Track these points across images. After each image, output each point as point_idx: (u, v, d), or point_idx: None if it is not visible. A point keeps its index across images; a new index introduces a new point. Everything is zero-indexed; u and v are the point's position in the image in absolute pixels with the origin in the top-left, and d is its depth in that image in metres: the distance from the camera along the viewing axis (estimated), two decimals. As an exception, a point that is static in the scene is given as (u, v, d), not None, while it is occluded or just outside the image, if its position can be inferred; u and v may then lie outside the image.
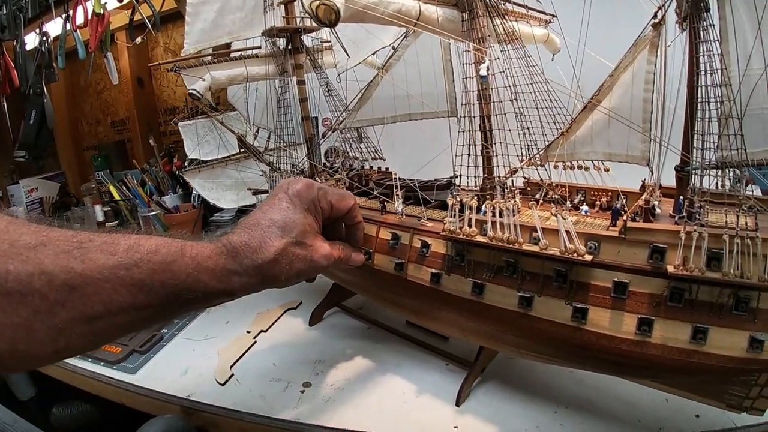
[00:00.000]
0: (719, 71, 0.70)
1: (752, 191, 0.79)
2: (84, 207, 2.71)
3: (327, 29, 1.09)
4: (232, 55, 1.32)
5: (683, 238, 0.65)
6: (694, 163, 0.73)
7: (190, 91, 1.21)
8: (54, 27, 2.27)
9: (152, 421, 1.07)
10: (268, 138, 1.55)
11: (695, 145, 0.73)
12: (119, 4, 2.01)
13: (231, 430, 1.05)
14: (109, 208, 2.44)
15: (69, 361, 1.31)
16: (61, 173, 3.16)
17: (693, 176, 0.74)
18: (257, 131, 1.60)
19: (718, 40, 0.71)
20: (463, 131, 0.82)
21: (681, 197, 0.74)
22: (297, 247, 0.75)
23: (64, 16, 2.15)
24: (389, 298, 1.06)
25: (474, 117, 0.83)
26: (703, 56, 0.71)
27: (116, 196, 2.40)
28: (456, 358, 1.09)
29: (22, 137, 2.37)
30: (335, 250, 0.82)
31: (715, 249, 0.65)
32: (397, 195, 0.97)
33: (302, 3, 0.68)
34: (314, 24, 1.19)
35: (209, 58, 1.26)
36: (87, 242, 0.59)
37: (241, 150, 1.63)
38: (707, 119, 0.71)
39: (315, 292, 1.43)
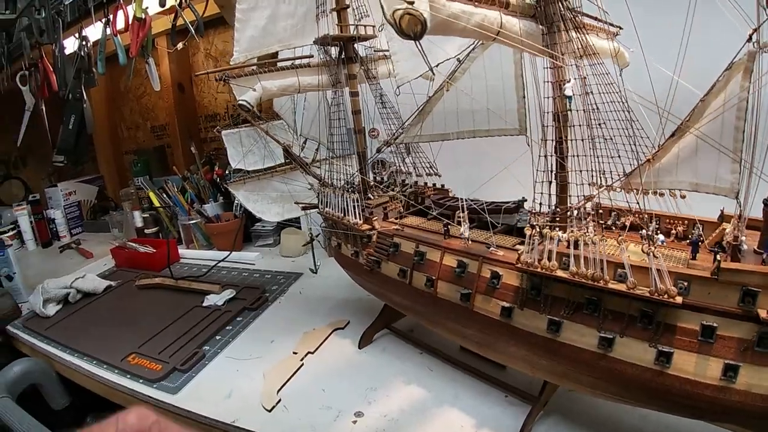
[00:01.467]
0: None
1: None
2: (122, 212, 2.79)
3: (386, 39, 1.09)
4: (282, 65, 1.32)
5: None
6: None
7: (240, 102, 1.22)
8: (94, 31, 2.33)
9: None
10: (317, 150, 1.56)
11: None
12: (161, 9, 2.05)
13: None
14: (149, 215, 2.49)
15: (107, 376, 1.36)
16: (100, 177, 3.29)
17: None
18: (305, 142, 1.61)
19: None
20: (543, 155, 0.80)
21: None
22: None
23: (104, 20, 2.21)
24: (452, 328, 1.04)
25: (552, 140, 0.81)
26: None
27: (156, 203, 2.46)
28: (516, 389, 1.06)
29: (61, 142, 2.46)
30: None
31: None
32: (463, 218, 0.95)
33: (383, 12, 0.66)
34: (370, 32, 1.20)
35: (256, 67, 1.26)
36: None
37: (287, 161, 1.64)
38: None
39: (365, 312, 1.43)
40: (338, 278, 1.65)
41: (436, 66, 1.07)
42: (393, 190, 1.34)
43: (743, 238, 0.77)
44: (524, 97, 1.04)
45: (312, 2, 1.26)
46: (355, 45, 1.25)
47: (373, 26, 1.21)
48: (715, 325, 0.68)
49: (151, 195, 2.47)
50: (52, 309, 1.80)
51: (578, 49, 0.84)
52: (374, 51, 1.33)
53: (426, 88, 1.17)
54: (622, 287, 0.71)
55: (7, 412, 1.32)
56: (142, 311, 1.76)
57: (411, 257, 1.05)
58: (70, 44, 2.43)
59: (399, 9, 0.66)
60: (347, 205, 1.21)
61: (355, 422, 1.05)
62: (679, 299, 0.67)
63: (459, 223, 0.99)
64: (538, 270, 0.79)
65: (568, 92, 0.75)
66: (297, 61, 1.31)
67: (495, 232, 0.96)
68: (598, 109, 0.79)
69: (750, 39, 0.72)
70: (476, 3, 0.74)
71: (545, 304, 0.81)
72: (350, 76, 1.25)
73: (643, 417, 0.98)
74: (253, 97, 1.22)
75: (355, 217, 1.19)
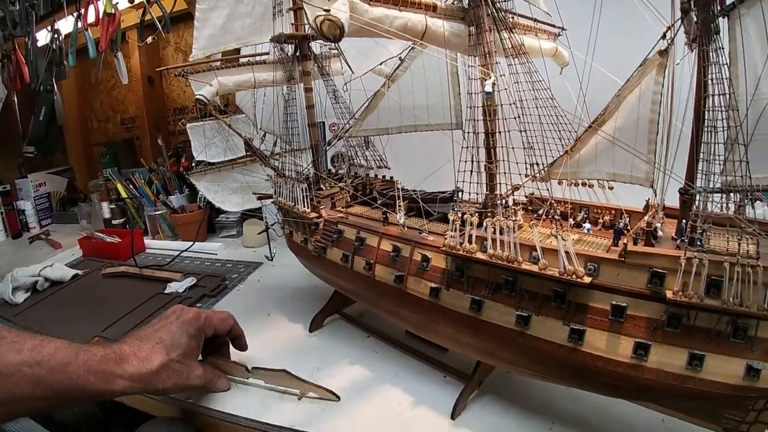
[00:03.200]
0: (727, 95, 0.70)
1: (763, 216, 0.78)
2: (91, 203, 2.73)
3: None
4: (241, 60, 1.32)
5: (683, 264, 0.65)
6: (698, 186, 0.73)
7: (197, 96, 1.22)
8: (65, 25, 2.28)
9: (152, 422, 1.09)
10: (275, 143, 1.56)
11: (700, 169, 0.72)
12: (130, 5, 2.02)
13: (228, 433, 1.05)
14: (116, 206, 2.45)
15: None
16: (69, 169, 3.20)
17: (696, 200, 0.73)
18: (264, 135, 1.60)
19: (726, 63, 0.70)
20: (467, 147, 0.82)
21: (684, 220, 0.74)
22: (177, 365, 0.93)
23: (75, 14, 2.17)
24: (389, 309, 1.06)
25: (478, 133, 0.83)
26: (712, 79, 0.70)
27: (123, 194, 2.42)
28: (454, 370, 1.08)
29: (31, 133, 2.40)
30: (206, 373, 1.01)
31: (715, 276, 0.64)
32: (400, 207, 0.97)
33: (307, 17, 0.68)
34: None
35: (217, 63, 1.26)
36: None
37: (248, 153, 1.64)
38: (713, 143, 0.71)
39: (319, 299, 1.43)
40: (295, 267, 1.63)
41: (380, 64, 1.09)
42: (345, 181, 1.35)
43: (658, 224, 0.81)
44: (459, 94, 1.06)
45: (269, 2, 1.26)
46: (310, 43, 1.25)
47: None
48: (624, 305, 0.71)
49: (119, 186, 2.42)
50: (20, 296, 1.76)
51: (508, 48, 0.87)
52: (329, 49, 1.33)
53: (378, 85, 1.19)
54: (534, 268, 0.73)
55: None
56: (107, 298, 1.74)
57: (352, 243, 1.06)
58: (42, 37, 2.37)
59: (320, 15, 0.68)
60: (297, 195, 1.22)
61: (300, 399, 1.07)
62: (587, 279, 0.70)
63: (396, 212, 1.00)
64: (460, 252, 0.81)
65: (488, 89, 0.77)
66: (254, 58, 1.31)
67: (430, 220, 0.98)
68: (521, 104, 0.81)
69: (664, 36, 0.75)
70: (401, 7, 0.75)
71: (468, 285, 0.83)
72: (304, 72, 1.26)
73: (576, 398, 1.00)
74: (210, 91, 1.22)
75: (304, 206, 1.20)
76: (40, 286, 1.84)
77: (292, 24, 1.23)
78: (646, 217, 0.83)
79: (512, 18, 0.92)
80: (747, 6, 0.68)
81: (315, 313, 1.36)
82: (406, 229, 0.98)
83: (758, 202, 1.59)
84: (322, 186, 1.30)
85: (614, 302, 0.71)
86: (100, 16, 2.06)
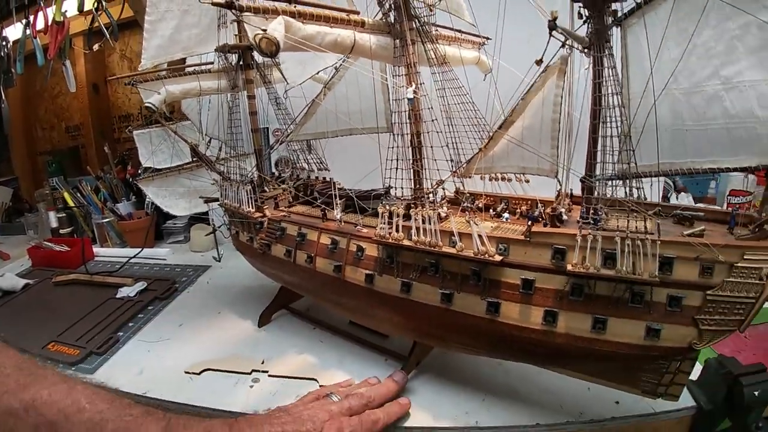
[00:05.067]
0: (618, 95, 0.79)
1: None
2: (38, 213, 2.66)
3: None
4: (187, 69, 1.35)
5: (579, 240, 0.74)
6: (596, 175, 0.82)
7: (146, 104, 1.24)
8: (13, 31, 2.24)
9: None
10: (220, 148, 1.59)
11: (597, 160, 0.82)
12: (79, 13, 2.00)
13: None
14: (64, 215, 2.39)
15: None
16: (15, 178, 3.09)
17: (595, 186, 0.83)
18: (209, 141, 1.63)
19: (612, 66, 0.80)
20: (395, 147, 0.90)
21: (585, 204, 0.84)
22: None
23: (24, 21, 2.13)
24: (330, 299, 1.12)
25: (404, 134, 0.90)
26: (605, 82, 0.80)
27: (70, 203, 2.37)
28: (394, 353, 1.15)
29: None
30: None
31: (609, 249, 0.73)
32: (337, 204, 1.03)
33: (247, 34, 0.74)
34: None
35: (164, 72, 1.29)
36: (75, 414, 0.68)
37: (194, 159, 1.66)
38: (608, 137, 0.80)
39: (267, 297, 1.47)
40: (242, 268, 1.67)
41: (317, 73, 1.15)
42: (287, 183, 1.40)
43: (563, 209, 0.90)
44: (389, 100, 1.14)
45: (215, 13, 1.29)
46: (253, 53, 1.30)
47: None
48: (532, 278, 0.79)
49: (66, 195, 2.37)
50: None
51: (431, 59, 0.95)
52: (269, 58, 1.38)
53: (317, 91, 1.25)
54: (452, 251, 0.81)
55: None
56: (60, 305, 1.72)
57: (294, 239, 1.11)
58: None
59: (258, 34, 0.74)
60: (242, 197, 1.26)
61: (252, 386, 1.11)
62: (498, 258, 0.78)
63: (333, 209, 1.07)
64: (389, 241, 0.88)
65: (409, 95, 0.84)
66: (200, 67, 1.34)
67: (365, 215, 1.04)
68: (443, 108, 0.89)
69: (564, 45, 0.84)
70: (332, 24, 0.82)
71: (398, 270, 0.91)
72: (247, 80, 1.30)
73: (506, 372, 1.09)
74: (158, 99, 1.25)
75: (249, 207, 1.24)
76: None
77: (235, 35, 1.28)
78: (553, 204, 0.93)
79: (436, 30, 1.00)
80: (636, 16, 0.79)
81: (263, 310, 1.41)
82: (342, 224, 1.04)
83: (682, 193, 1.71)
84: (265, 188, 1.34)
85: (523, 277, 0.79)
86: (49, 24, 2.02)
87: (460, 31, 1.11)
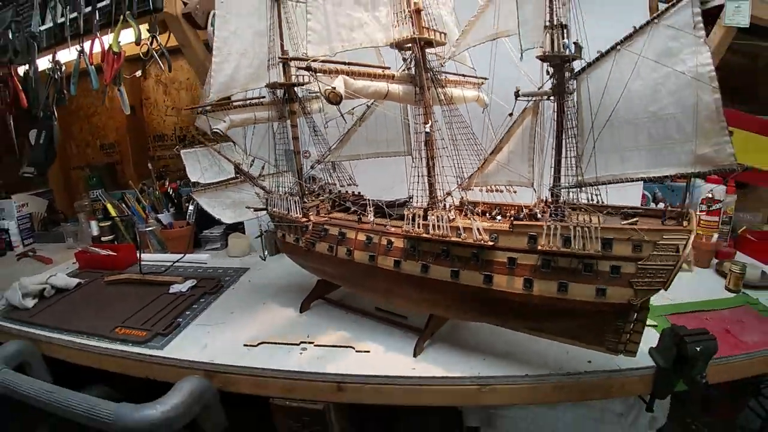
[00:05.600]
0: (575, 128, 1.20)
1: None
2: (76, 222, 3.09)
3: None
4: (243, 102, 1.76)
5: (545, 229, 1.14)
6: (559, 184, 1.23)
7: (215, 130, 1.64)
8: (66, 54, 2.62)
9: (182, 380, 1.44)
10: (263, 167, 1.99)
11: (562, 174, 1.22)
12: (136, 45, 2.40)
13: (246, 384, 1.47)
14: (107, 224, 2.81)
15: (101, 345, 1.69)
16: (49, 191, 3.52)
17: (560, 193, 1.23)
18: (253, 161, 2.03)
19: (572, 108, 1.20)
20: (414, 167, 1.31)
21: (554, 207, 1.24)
22: None
23: (79, 48, 2.51)
24: (365, 283, 1.52)
25: (422, 158, 1.31)
26: (566, 119, 1.20)
27: (113, 213, 2.79)
28: (413, 328, 1.55)
29: (33, 156, 2.75)
30: None
31: (566, 235, 1.13)
32: (370, 210, 1.44)
33: (319, 89, 1.15)
34: (306, 80, 1.68)
35: (229, 104, 1.70)
36: None
37: (238, 176, 2.06)
38: (568, 158, 1.20)
39: (303, 291, 1.88)
40: (278, 270, 2.16)
41: (353, 109, 1.57)
42: (322, 197, 1.80)
43: (537, 210, 1.29)
44: (409, 131, 1.56)
45: (265, 56, 1.70)
46: (296, 89, 1.71)
47: (308, 75, 1.69)
48: (515, 257, 1.19)
49: (109, 206, 2.80)
50: (30, 302, 2.07)
51: (441, 100, 1.36)
52: (309, 93, 1.80)
53: (350, 121, 1.66)
54: (458, 240, 1.22)
55: (13, 379, 1.60)
56: (116, 299, 2.09)
57: (336, 237, 1.52)
58: (43, 63, 2.71)
59: (327, 88, 1.15)
60: (290, 205, 1.67)
61: (301, 353, 1.51)
62: (490, 243, 1.19)
63: (365, 214, 1.48)
64: (413, 234, 1.29)
65: (426, 129, 1.25)
66: (254, 100, 1.75)
67: (391, 219, 1.45)
68: (451, 137, 1.30)
69: (532, 100, 1.25)
70: (373, 78, 1.24)
71: (419, 256, 1.31)
72: (291, 112, 1.71)
73: (505, 342, 1.47)
74: (224, 126, 1.65)
75: (297, 213, 1.65)
76: (48, 293, 2.15)
77: (283, 75, 1.70)
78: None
79: (444, 76, 1.41)
80: (586, 73, 1.20)
81: (302, 299, 1.81)
82: (375, 225, 1.45)
83: (661, 203, 2.19)
84: (305, 200, 1.74)
85: (509, 256, 1.19)
86: (105, 51, 2.42)
87: (463, 75, 1.52)
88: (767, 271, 2.04)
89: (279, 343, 1.57)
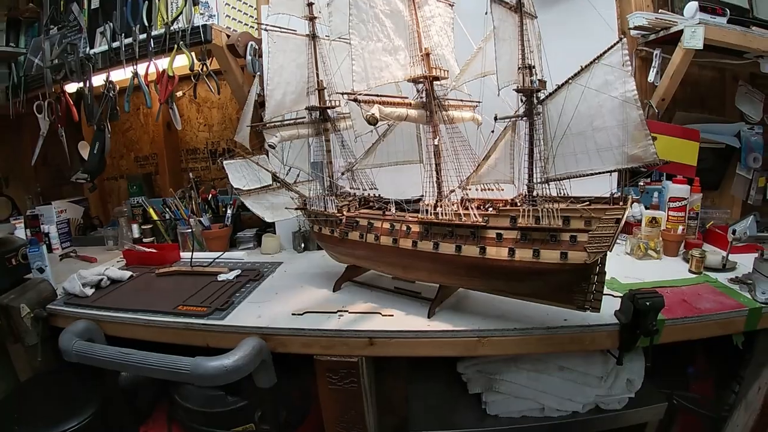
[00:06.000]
0: (542, 140, 1.72)
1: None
2: (114, 227, 3.57)
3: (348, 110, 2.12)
4: (294, 121, 2.29)
5: (521, 211, 1.66)
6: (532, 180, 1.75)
7: (269, 143, 2.17)
8: (119, 73, 3.13)
9: (244, 339, 1.92)
10: (298, 175, 2.51)
11: (534, 173, 1.74)
12: (190, 72, 2.94)
13: (295, 344, 1.96)
14: (148, 227, 3.32)
15: (165, 319, 2.12)
16: (84, 199, 4.02)
17: (533, 187, 1.75)
18: (289, 170, 2.53)
19: (539, 125, 1.73)
20: (427, 171, 1.85)
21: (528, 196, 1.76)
22: None
23: (133, 71, 3.04)
24: (390, 261, 2.04)
25: (432, 164, 1.84)
26: (536, 133, 1.72)
27: (154, 217, 3.31)
28: (426, 298, 2.06)
29: (89, 164, 3.31)
30: None
31: (536, 215, 1.64)
32: (391, 205, 1.98)
33: (362, 114, 1.68)
34: (337, 103, 2.21)
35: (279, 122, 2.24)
36: None
37: (275, 182, 2.57)
38: (538, 161, 1.73)
39: (331, 276, 2.41)
40: (308, 263, 2.76)
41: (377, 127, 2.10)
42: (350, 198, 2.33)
43: (518, 201, 1.81)
44: (422, 144, 2.10)
45: (304, 84, 2.24)
46: (328, 111, 2.25)
47: (339, 100, 2.23)
48: (501, 233, 1.70)
49: (150, 210, 3.33)
50: (89, 291, 2.44)
51: (445, 120, 1.89)
52: (337, 114, 2.33)
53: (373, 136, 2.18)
54: (460, 222, 1.74)
55: (89, 348, 2.03)
56: (171, 287, 2.52)
57: (366, 227, 2.04)
58: (96, 81, 3.20)
59: (368, 113, 1.67)
60: (327, 204, 2.20)
61: (339, 318, 2.01)
62: (483, 223, 1.71)
63: (388, 209, 2.01)
64: (426, 220, 1.82)
65: (435, 143, 1.79)
66: (297, 120, 2.29)
67: (408, 211, 1.98)
68: (454, 149, 1.83)
69: (510, 120, 1.78)
70: (397, 105, 1.77)
71: (431, 237, 1.84)
72: (324, 129, 2.25)
73: (498, 308, 1.96)
74: (276, 141, 2.18)
75: (333, 209, 2.18)
76: (104, 283, 2.56)
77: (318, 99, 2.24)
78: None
79: (447, 102, 1.94)
80: (548, 100, 1.71)
81: (335, 281, 2.33)
82: (396, 215, 1.98)
83: (635, 203, 2.78)
84: (337, 199, 2.27)
85: (497, 232, 1.71)
86: (160, 73, 2.95)
87: (461, 100, 2.05)
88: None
89: (321, 312, 2.07)
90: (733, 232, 2.36)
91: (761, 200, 3.36)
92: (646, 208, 2.81)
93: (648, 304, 1.71)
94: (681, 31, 2.64)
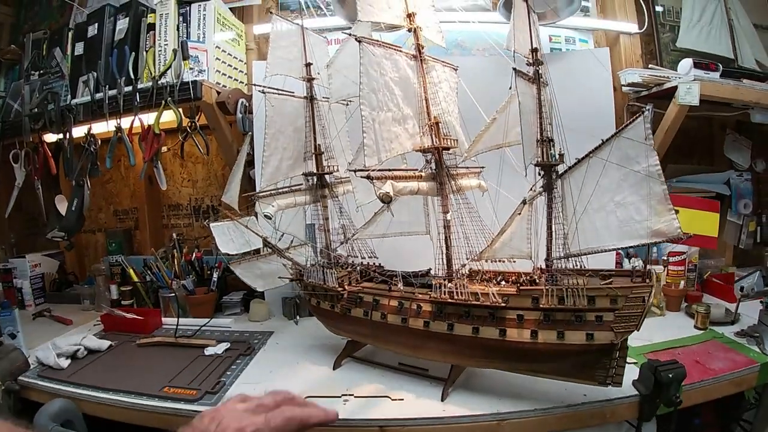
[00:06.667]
0: (562, 215, 1.62)
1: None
2: (91, 285, 3.36)
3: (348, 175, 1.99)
4: (290, 189, 2.16)
5: (545, 291, 1.55)
6: (552, 257, 1.64)
7: (265, 214, 2.03)
8: (101, 126, 2.92)
9: None
10: (291, 241, 2.37)
11: (553, 249, 1.64)
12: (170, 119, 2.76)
13: None
14: (127, 289, 3.10)
15: (150, 403, 1.93)
16: (60, 252, 3.77)
17: (552, 263, 1.64)
18: (282, 235, 2.38)
19: (558, 200, 1.63)
20: (437, 244, 1.72)
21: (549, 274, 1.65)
22: None
23: (116, 126, 2.85)
24: (397, 341, 1.90)
25: (440, 236, 1.72)
26: (555, 208, 1.63)
27: (134, 278, 3.11)
28: (436, 378, 1.92)
29: (65, 221, 3.09)
30: None
31: (560, 295, 1.54)
32: (399, 280, 1.84)
33: (375, 193, 1.56)
34: (335, 169, 2.09)
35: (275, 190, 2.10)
36: None
37: (265, 248, 2.42)
38: (560, 237, 1.63)
39: (328, 351, 2.26)
40: (301, 333, 2.58)
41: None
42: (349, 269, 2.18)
43: (536, 276, 1.71)
44: (428, 215, 1.99)
45: (301, 149, 2.12)
46: (326, 177, 2.13)
47: (336, 165, 2.11)
48: (522, 314, 1.59)
49: (131, 271, 3.12)
50: (65, 362, 2.25)
51: (453, 190, 1.78)
52: (335, 178, 2.21)
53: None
54: (477, 302, 1.62)
55: None
56: (153, 361, 2.32)
57: (370, 303, 1.90)
58: (76, 132, 2.99)
59: (381, 191, 1.56)
60: (326, 276, 2.05)
61: (344, 403, 1.84)
62: (502, 304, 1.59)
63: (395, 283, 1.88)
64: (439, 299, 1.69)
65: (448, 217, 1.67)
66: (293, 186, 2.16)
67: (416, 286, 1.85)
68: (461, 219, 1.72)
69: (531, 190, 1.67)
70: (408, 180, 1.66)
71: (445, 317, 1.71)
72: (322, 196, 2.12)
73: (512, 385, 1.84)
74: (272, 210, 2.03)
75: (333, 283, 2.03)
76: (81, 354, 2.36)
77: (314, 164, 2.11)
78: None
79: (455, 171, 1.84)
80: (568, 174, 1.62)
81: (334, 357, 2.17)
82: (404, 292, 1.84)
83: (633, 258, 2.71)
84: (335, 269, 2.12)
85: (518, 313, 1.60)
86: (146, 130, 2.77)
87: (467, 167, 1.95)
88: (730, 308, 2.47)
89: (324, 396, 1.90)
90: (741, 288, 2.35)
91: (752, 244, 3.42)
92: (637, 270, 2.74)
93: (671, 376, 1.64)
94: (674, 87, 2.63)
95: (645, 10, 3.12)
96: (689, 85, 2.57)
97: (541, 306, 1.57)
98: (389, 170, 1.66)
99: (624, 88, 2.91)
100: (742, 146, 3.35)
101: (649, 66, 3.03)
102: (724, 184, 3.23)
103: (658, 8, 3.22)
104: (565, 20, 2.83)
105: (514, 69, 1.58)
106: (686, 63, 2.66)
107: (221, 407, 0.95)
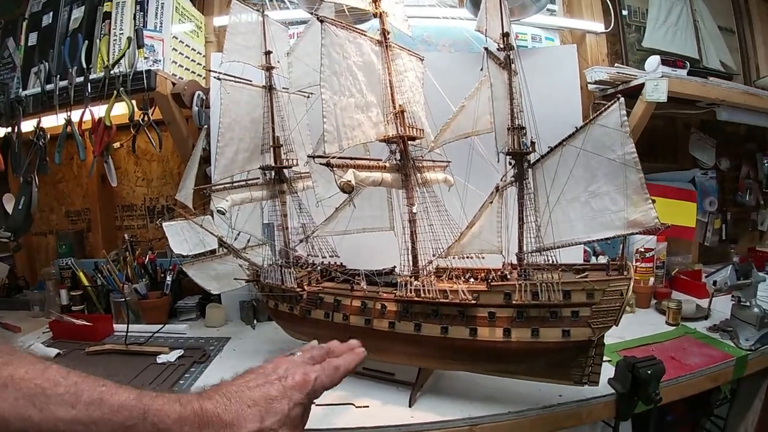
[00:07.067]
0: (534, 206, 1.52)
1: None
2: (41, 290, 3.13)
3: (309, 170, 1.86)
4: (246, 183, 2.01)
5: (518, 287, 1.45)
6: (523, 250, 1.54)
7: (218, 209, 1.87)
8: (51, 120, 2.72)
9: None
10: (248, 240, 2.22)
11: (525, 242, 1.54)
12: (130, 123, 2.61)
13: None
14: (77, 294, 2.90)
15: None
16: (10, 256, 3.50)
17: (524, 257, 1.54)
18: (238, 234, 2.23)
19: (531, 191, 1.53)
20: (402, 240, 1.60)
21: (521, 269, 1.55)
22: None
23: (66, 118, 2.64)
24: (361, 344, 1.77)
25: (406, 232, 1.61)
26: (527, 199, 1.53)
27: (85, 282, 2.89)
28: (402, 382, 1.80)
29: (11, 221, 2.87)
30: None
31: (534, 290, 1.44)
32: (362, 278, 1.72)
33: (335, 180, 1.43)
34: (294, 162, 1.96)
35: (230, 184, 1.95)
36: (51, 388, 0.73)
37: (221, 247, 2.26)
38: (532, 230, 1.53)
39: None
40: (261, 339, 2.43)
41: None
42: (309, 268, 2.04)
43: (507, 272, 1.60)
44: (392, 209, 1.87)
45: (258, 141, 1.98)
46: (284, 171, 1.99)
47: (296, 159, 1.98)
48: (494, 311, 1.49)
49: (81, 275, 2.91)
50: None
51: (420, 183, 1.67)
52: (294, 173, 2.07)
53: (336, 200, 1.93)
54: (446, 300, 1.50)
55: None
56: (104, 370, 2.09)
57: (332, 304, 1.77)
58: (26, 126, 2.79)
59: (342, 180, 1.43)
60: (284, 276, 1.90)
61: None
62: (473, 301, 1.48)
63: (358, 283, 1.75)
64: (405, 298, 1.57)
65: (414, 210, 1.56)
66: (250, 181, 2.01)
67: (381, 285, 1.73)
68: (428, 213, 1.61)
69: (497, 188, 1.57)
70: (372, 170, 1.54)
71: (412, 317, 1.59)
72: (280, 191, 1.98)
73: (484, 387, 1.75)
74: (226, 205, 1.88)
75: (291, 284, 1.89)
76: None
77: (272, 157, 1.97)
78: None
79: (422, 164, 1.73)
80: (540, 163, 1.53)
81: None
82: (367, 292, 1.71)
83: (600, 256, 2.63)
84: (292, 269, 1.98)
85: (489, 311, 1.49)
86: (97, 123, 2.58)
87: (433, 160, 1.84)
88: (701, 304, 2.48)
89: (281, 404, 1.77)
90: (714, 283, 2.34)
91: (717, 241, 3.50)
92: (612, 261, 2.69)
93: (650, 372, 1.59)
94: (641, 85, 2.60)
95: (611, 10, 3.11)
96: (657, 81, 2.53)
97: (514, 302, 1.46)
98: (351, 158, 1.54)
99: (590, 86, 2.87)
100: (707, 145, 3.38)
101: (615, 65, 2.99)
102: (689, 183, 3.23)
103: (624, 12, 3.24)
104: (531, 18, 2.77)
105: (486, 49, 1.48)
106: (654, 60, 2.63)
107: (279, 359, 1.00)
